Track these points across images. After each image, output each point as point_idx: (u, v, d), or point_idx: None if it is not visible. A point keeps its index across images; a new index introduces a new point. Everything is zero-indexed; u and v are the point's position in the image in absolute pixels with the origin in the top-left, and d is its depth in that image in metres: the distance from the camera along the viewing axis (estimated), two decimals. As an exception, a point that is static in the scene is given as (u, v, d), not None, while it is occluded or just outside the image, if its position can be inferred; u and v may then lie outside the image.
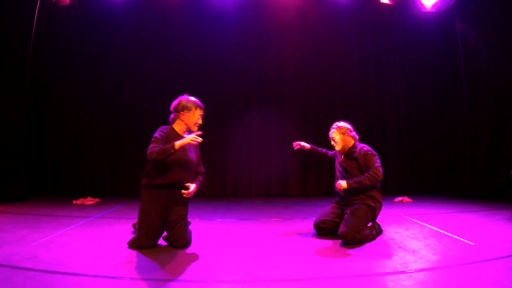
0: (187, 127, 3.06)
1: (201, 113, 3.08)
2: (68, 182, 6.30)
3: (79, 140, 6.36)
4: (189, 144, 2.96)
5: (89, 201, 5.43)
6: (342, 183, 3.23)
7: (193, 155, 3.06)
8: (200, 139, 2.79)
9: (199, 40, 6.51)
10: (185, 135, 3.01)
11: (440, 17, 6.73)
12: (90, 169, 6.31)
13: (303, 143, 3.61)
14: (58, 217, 4.18)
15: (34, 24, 5.48)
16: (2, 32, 5.34)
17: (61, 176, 6.32)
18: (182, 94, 3.19)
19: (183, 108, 3.02)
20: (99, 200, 5.60)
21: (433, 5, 6.68)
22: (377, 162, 3.23)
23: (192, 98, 3.10)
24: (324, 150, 3.75)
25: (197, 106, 3.05)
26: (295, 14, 6.55)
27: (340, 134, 3.39)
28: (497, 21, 5.77)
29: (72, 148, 6.35)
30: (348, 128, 3.41)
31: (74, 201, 5.37)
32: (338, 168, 3.52)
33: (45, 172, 6.34)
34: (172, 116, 3.10)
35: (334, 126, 3.46)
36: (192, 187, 2.92)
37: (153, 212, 2.94)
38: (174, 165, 2.91)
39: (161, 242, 3.09)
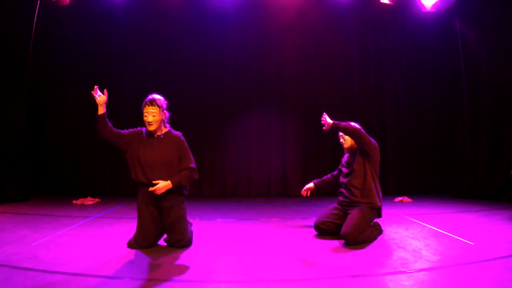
0: None
1: (146, 110, 2.93)
2: (68, 182, 6.30)
3: (79, 140, 6.36)
4: (163, 143, 2.95)
5: (89, 201, 5.43)
6: (328, 119, 3.25)
7: (168, 153, 2.93)
8: (97, 99, 2.86)
9: (199, 40, 6.52)
10: (162, 135, 3.02)
11: (440, 17, 6.73)
12: (90, 169, 6.31)
13: (307, 186, 3.64)
14: (58, 217, 4.18)
15: (34, 24, 5.48)
16: (2, 32, 5.34)
17: (61, 176, 6.32)
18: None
19: None
20: (99, 200, 5.60)
21: (433, 5, 6.68)
22: (371, 138, 3.31)
23: (148, 97, 3.01)
24: (329, 176, 3.75)
25: (143, 105, 2.97)
26: (295, 14, 6.55)
27: None
28: (497, 21, 5.77)
29: (72, 148, 6.35)
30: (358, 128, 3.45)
31: (74, 201, 5.38)
32: (343, 170, 3.52)
33: (45, 172, 6.34)
34: None
35: None
36: (161, 184, 2.79)
37: (145, 212, 2.95)
38: (146, 165, 2.89)
39: (162, 243, 3.10)
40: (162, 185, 2.80)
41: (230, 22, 6.53)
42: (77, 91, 6.38)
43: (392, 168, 6.62)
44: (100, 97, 2.89)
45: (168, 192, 2.86)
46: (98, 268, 2.43)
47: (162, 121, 3.02)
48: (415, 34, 6.91)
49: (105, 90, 2.94)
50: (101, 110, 2.88)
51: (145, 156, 2.91)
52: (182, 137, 3.05)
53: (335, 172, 3.72)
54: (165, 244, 3.06)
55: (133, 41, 6.47)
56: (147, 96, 3.05)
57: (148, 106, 2.93)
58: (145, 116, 2.94)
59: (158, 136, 3.00)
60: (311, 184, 3.66)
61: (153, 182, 2.81)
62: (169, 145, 2.97)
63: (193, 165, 2.99)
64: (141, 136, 3.01)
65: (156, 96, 3.00)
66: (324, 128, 3.20)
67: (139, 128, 3.06)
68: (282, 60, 6.66)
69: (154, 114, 2.92)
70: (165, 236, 3.08)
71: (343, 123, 3.23)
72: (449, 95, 6.74)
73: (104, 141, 2.97)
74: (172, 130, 3.09)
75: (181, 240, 2.95)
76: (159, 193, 2.81)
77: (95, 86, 2.89)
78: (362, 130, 3.27)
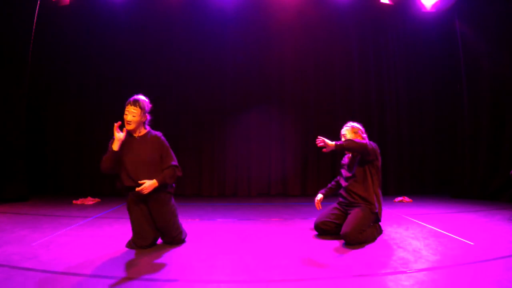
0: None
1: (128, 108, 2.93)
2: (68, 182, 6.30)
3: (79, 140, 6.36)
4: (144, 144, 2.95)
5: (89, 201, 5.43)
6: (328, 141, 3.03)
7: (150, 154, 2.95)
8: (117, 134, 2.83)
9: (199, 40, 6.52)
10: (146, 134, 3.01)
11: (440, 17, 6.73)
12: (90, 169, 6.31)
13: (317, 199, 3.58)
14: (58, 217, 4.18)
15: (34, 24, 5.48)
16: (2, 32, 5.34)
17: (61, 176, 6.32)
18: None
19: None
20: (99, 200, 5.60)
21: (433, 5, 6.68)
22: (370, 143, 3.24)
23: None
24: (333, 182, 3.74)
25: (126, 103, 2.96)
26: (295, 14, 6.56)
27: (352, 133, 3.41)
28: (497, 21, 5.77)
29: (72, 148, 6.35)
30: (360, 129, 3.46)
31: (74, 201, 5.38)
32: (343, 172, 3.52)
33: (45, 172, 6.34)
34: None
35: (347, 125, 3.50)
36: (148, 183, 2.81)
37: (137, 212, 2.97)
38: (130, 167, 2.90)
39: (162, 242, 3.10)
40: (148, 184, 2.82)
41: (230, 22, 6.54)
42: (78, 90, 6.39)
43: (392, 168, 6.63)
44: (119, 133, 2.88)
45: (154, 191, 2.87)
46: (98, 268, 2.43)
47: (142, 123, 3.03)
48: (415, 34, 6.91)
49: (124, 128, 2.95)
50: (117, 146, 2.86)
51: (128, 159, 2.92)
52: (162, 137, 3.07)
53: (337, 178, 3.71)
54: (164, 244, 3.06)
55: (133, 41, 6.46)
56: (147, 97, 3.06)
57: (131, 105, 2.93)
58: (125, 114, 2.94)
59: (138, 137, 3.01)
60: (320, 196, 3.62)
61: (139, 182, 2.82)
62: (150, 146, 2.98)
63: (175, 162, 3.01)
64: (125, 140, 2.97)
65: (141, 97, 3.02)
66: (324, 150, 3.09)
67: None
68: (282, 60, 6.66)
69: (134, 114, 2.93)
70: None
71: (346, 143, 3.10)
72: (449, 95, 6.74)
73: (105, 173, 2.99)
74: (152, 131, 3.10)
75: (177, 236, 3.03)
76: (146, 192, 2.82)
77: (118, 122, 2.89)
78: (367, 142, 3.20)
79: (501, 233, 3.45)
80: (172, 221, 3.00)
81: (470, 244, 3.06)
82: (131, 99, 2.96)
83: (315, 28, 6.67)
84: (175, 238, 3.02)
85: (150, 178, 2.86)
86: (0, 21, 5.32)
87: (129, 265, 2.52)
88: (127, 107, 2.94)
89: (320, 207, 3.60)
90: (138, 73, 6.42)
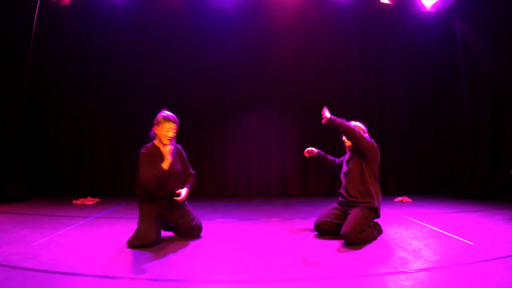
0: (161, 140, 3.16)
1: (170, 126, 3.12)
2: (68, 182, 6.31)
3: (79, 140, 6.37)
4: (173, 156, 3.18)
5: (89, 201, 5.43)
6: (326, 113, 3.24)
7: (178, 165, 3.21)
8: (169, 157, 2.99)
9: (199, 40, 6.52)
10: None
11: (440, 17, 6.74)
12: (90, 169, 6.32)
13: (310, 148, 3.67)
14: (58, 217, 4.18)
15: (34, 24, 5.48)
16: (2, 32, 5.34)
17: (61, 176, 6.33)
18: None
19: (156, 122, 3.17)
20: (99, 200, 5.61)
21: (433, 5, 6.69)
22: (368, 138, 3.31)
23: (165, 113, 3.18)
24: (333, 158, 3.77)
25: (165, 120, 3.12)
26: (295, 14, 6.57)
27: None
28: (497, 21, 5.78)
29: (72, 148, 6.36)
30: (362, 128, 3.49)
31: (74, 201, 5.38)
32: (344, 168, 3.53)
33: (45, 172, 6.35)
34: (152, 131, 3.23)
35: None
36: (184, 192, 3.12)
37: (148, 211, 3.09)
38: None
39: (162, 242, 3.10)
40: (184, 192, 3.14)
41: (230, 22, 6.54)
42: (78, 90, 6.39)
43: (392, 168, 6.63)
44: (169, 155, 3.03)
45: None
46: (98, 268, 2.43)
47: None
48: (415, 34, 6.92)
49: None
50: (167, 166, 3.00)
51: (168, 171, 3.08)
52: (182, 149, 3.37)
53: (338, 160, 3.73)
54: (164, 243, 3.07)
55: (133, 41, 6.47)
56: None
57: (173, 123, 3.16)
58: (168, 131, 3.12)
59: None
60: (315, 150, 3.67)
61: (176, 192, 3.10)
62: (177, 158, 3.24)
63: (193, 171, 3.41)
64: (156, 153, 3.11)
65: (171, 114, 3.21)
66: (322, 122, 3.23)
67: (144, 150, 3.14)
68: (282, 60, 6.67)
69: (175, 131, 3.17)
70: (170, 233, 3.28)
71: (339, 120, 3.25)
72: (449, 95, 6.74)
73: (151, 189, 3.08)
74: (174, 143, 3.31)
75: (197, 227, 3.29)
76: (183, 200, 3.12)
77: (171, 147, 3.03)
78: (356, 129, 3.27)
79: (501, 233, 3.45)
80: (191, 214, 3.29)
81: (470, 244, 3.05)
82: (172, 117, 3.15)
83: (315, 28, 6.67)
84: (195, 228, 3.29)
85: (179, 187, 3.15)
86: (0, 21, 5.32)
87: (129, 265, 2.52)
88: (169, 124, 3.12)
89: (307, 156, 3.67)
90: (138, 73, 6.42)
